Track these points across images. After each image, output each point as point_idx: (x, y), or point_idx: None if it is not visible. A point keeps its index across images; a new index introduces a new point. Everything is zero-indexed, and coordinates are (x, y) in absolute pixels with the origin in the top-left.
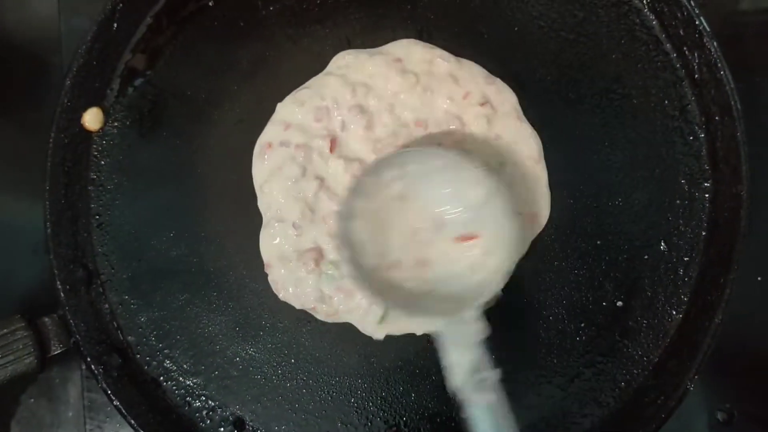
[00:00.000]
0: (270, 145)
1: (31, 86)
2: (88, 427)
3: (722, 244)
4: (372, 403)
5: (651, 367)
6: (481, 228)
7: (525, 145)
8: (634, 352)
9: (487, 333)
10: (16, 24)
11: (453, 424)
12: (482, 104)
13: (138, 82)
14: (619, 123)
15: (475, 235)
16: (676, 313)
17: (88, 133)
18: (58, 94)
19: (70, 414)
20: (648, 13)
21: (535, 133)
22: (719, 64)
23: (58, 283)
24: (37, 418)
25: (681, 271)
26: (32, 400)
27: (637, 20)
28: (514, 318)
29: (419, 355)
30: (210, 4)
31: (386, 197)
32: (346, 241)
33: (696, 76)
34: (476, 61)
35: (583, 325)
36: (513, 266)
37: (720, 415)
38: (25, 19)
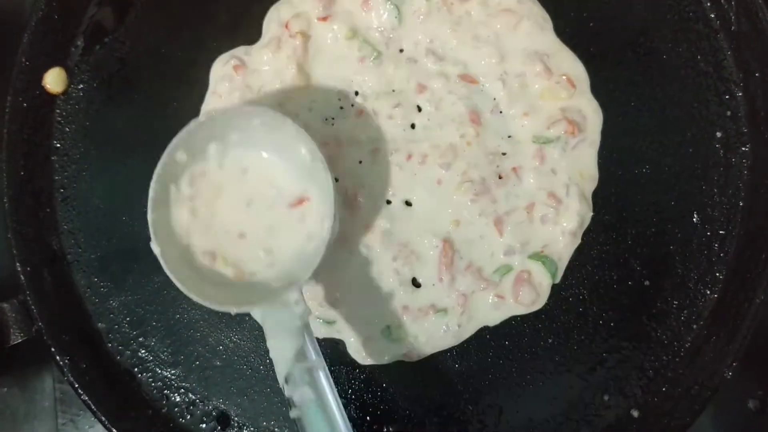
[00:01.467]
0: None
1: None
2: (60, 420)
3: (763, 215)
4: (370, 394)
5: (683, 353)
6: (310, 190)
7: None
8: (664, 337)
9: (309, 315)
10: None
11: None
12: None
13: (105, 38)
14: (646, 81)
15: (305, 198)
16: (711, 293)
17: (50, 96)
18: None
19: (46, 404)
20: None
21: None
22: (760, 14)
23: (18, 264)
24: (11, 409)
25: (716, 246)
26: (5, 389)
27: None
28: None
29: None
30: None
31: (215, 172)
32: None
33: (732, 27)
34: None
35: (606, 306)
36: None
37: (752, 404)
38: None
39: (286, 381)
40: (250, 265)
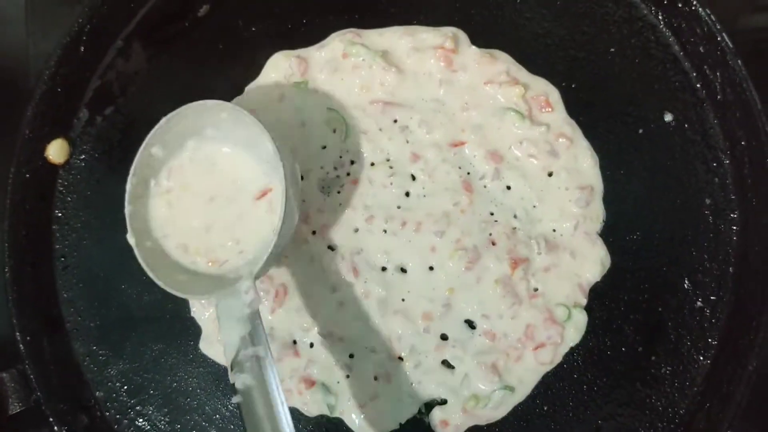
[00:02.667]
0: None
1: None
2: None
3: (753, 281)
4: None
5: (678, 420)
6: (273, 181)
7: None
8: (659, 404)
9: (259, 304)
10: None
11: None
12: None
13: (107, 110)
14: (634, 149)
15: (269, 188)
16: (704, 359)
17: (53, 166)
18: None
19: None
20: (664, 29)
21: None
22: (744, 84)
23: (18, 332)
24: None
25: (708, 312)
26: None
27: (652, 37)
28: None
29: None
30: (187, 25)
31: (187, 166)
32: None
33: (719, 96)
34: None
35: (600, 373)
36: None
37: None
38: None
39: (232, 368)
40: (220, 254)
